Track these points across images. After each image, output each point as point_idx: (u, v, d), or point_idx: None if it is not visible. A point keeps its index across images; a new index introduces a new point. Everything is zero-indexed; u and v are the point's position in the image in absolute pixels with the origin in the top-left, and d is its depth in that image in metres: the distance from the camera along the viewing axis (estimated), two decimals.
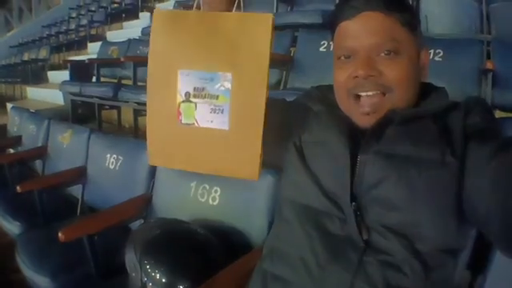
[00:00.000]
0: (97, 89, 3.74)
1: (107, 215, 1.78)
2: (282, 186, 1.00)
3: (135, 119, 3.51)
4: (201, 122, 0.84)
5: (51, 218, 2.11)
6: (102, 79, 4.40)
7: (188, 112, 0.84)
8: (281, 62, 3.04)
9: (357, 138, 0.86)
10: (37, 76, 7.67)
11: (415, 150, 0.79)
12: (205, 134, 0.84)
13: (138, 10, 8.26)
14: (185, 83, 0.84)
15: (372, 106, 0.84)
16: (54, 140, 2.72)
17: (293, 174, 0.94)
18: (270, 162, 1.02)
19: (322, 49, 2.91)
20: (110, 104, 3.88)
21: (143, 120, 3.47)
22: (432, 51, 2.48)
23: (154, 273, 1.18)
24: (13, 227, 2.11)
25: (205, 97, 0.83)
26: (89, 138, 2.39)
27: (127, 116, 3.93)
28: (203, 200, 1.63)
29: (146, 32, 5.30)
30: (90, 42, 7.72)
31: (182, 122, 0.85)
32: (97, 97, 3.78)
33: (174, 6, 5.46)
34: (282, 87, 3.06)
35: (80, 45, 8.53)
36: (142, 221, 1.82)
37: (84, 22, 9.42)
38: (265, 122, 0.81)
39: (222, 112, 0.82)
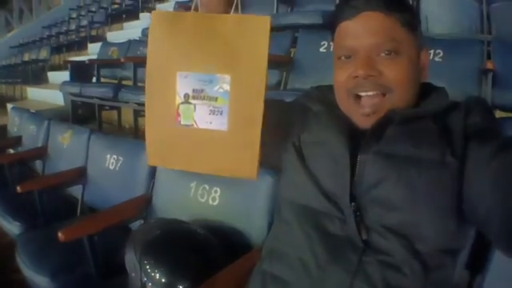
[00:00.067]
0: (97, 89, 3.75)
1: (107, 215, 1.78)
2: (281, 186, 1.00)
3: (135, 120, 3.52)
4: (200, 123, 0.84)
5: (51, 218, 2.11)
6: (103, 80, 4.42)
7: (187, 113, 0.84)
8: (281, 62, 3.04)
9: (356, 138, 0.86)
10: (37, 76, 7.68)
11: (415, 150, 0.79)
12: (204, 134, 0.84)
13: (138, 11, 8.28)
14: (184, 85, 0.84)
15: (372, 106, 0.84)
16: (54, 140, 2.73)
17: (292, 174, 0.94)
18: (269, 163, 1.02)
19: (322, 49, 2.91)
20: (110, 104, 3.89)
21: (143, 120, 3.43)
22: (432, 51, 2.48)
23: (154, 273, 1.18)
24: (13, 227, 2.11)
25: (204, 98, 0.83)
26: (89, 138, 2.39)
27: (127, 116, 3.94)
28: (203, 200, 1.63)
29: (146, 33, 5.30)
30: (91, 42, 7.74)
31: (181, 123, 0.85)
32: (97, 97, 3.79)
33: (174, 7, 5.47)
34: (282, 88, 3.07)
35: (80, 45, 8.54)
36: (142, 221, 1.82)
37: (84, 22, 9.44)
38: (263, 123, 0.82)
39: (220, 113, 0.83)
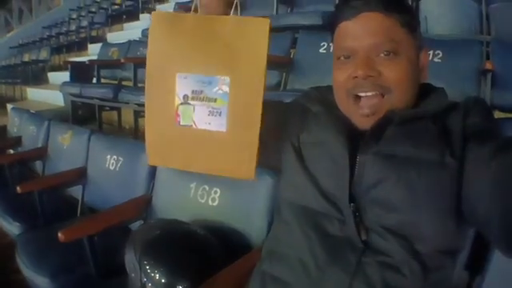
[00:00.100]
0: (97, 90, 3.75)
1: (107, 216, 1.78)
2: (280, 187, 1.00)
3: (135, 120, 3.52)
4: (199, 123, 0.85)
5: (51, 218, 2.11)
6: (103, 80, 4.42)
7: (186, 114, 0.85)
8: (280, 63, 3.04)
9: (356, 139, 0.86)
10: (37, 77, 7.68)
11: (414, 150, 0.79)
12: (203, 135, 0.85)
13: (138, 12, 8.28)
14: (183, 86, 0.85)
15: (371, 107, 0.84)
16: (54, 141, 2.73)
17: (291, 175, 0.94)
18: (268, 164, 1.03)
19: (321, 50, 2.91)
20: (110, 105, 3.89)
21: (143, 121, 3.43)
22: (431, 52, 2.48)
23: (154, 273, 1.18)
24: (13, 228, 2.11)
25: (203, 100, 0.84)
26: (89, 138, 2.40)
27: (127, 117, 3.93)
28: (203, 201, 1.63)
29: (146, 33, 5.30)
30: (91, 43, 7.75)
31: (181, 123, 0.86)
32: (97, 98, 3.78)
33: (174, 7, 5.47)
34: (281, 88, 3.06)
35: (80, 46, 8.54)
36: (142, 222, 1.82)
37: (84, 23, 9.44)
38: (261, 124, 0.83)
39: (219, 114, 0.83)
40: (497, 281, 1.08)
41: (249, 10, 4.00)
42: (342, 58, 0.88)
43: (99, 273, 1.63)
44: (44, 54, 8.22)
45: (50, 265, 1.67)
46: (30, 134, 3.05)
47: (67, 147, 2.58)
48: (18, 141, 3.18)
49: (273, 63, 2.89)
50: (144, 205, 1.86)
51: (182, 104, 0.85)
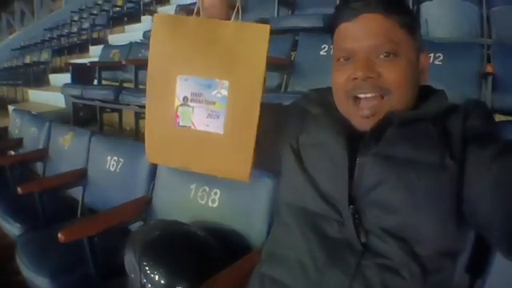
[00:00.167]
0: (98, 92, 3.75)
1: (107, 217, 1.78)
2: (280, 189, 1.00)
3: (136, 122, 3.52)
4: (197, 125, 0.87)
5: (51, 219, 2.11)
6: (104, 82, 4.44)
7: (185, 115, 0.87)
8: (281, 65, 3.05)
9: (355, 141, 0.86)
10: (38, 79, 7.70)
11: (414, 152, 0.79)
12: (201, 136, 0.87)
13: (139, 14, 8.29)
14: (183, 88, 0.86)
15: (371, 109, 0.84)
16: (55, 142, 2.73)
17: (290, 177, 0.94)
18: (266, 166, 1.03)
19: (322, 52, 2.91)
20: (111, 107, 3.89)
21: (144, 123, 3.44)
22: (432, 55, 2.49)
23: (153, 274, 1.18)
24: (13, 229, 2.11)
25: (202, 102, 0.85)
26: (90, 140, 2.40)
27: (128, 119, 3.93)
28: (203, 202, 1.63)
29: (147, 35, 5.32)
30: (92, 45, 7.76)
31: (180, 124, 0.88)
32: (98, 99, 3.79)
33: (176, 9, 5.48)
34: (282, 90, 3.07)
35: (82, 48, 8.56)
36: (142, 223, 1.82)
37: (86, 25, 9.46)
38: (258, 128, 0.84)
39: (217, 117, 0.85)
40: (498, 283, 1.07)
41: (250, 13, 4.01)
42: (342, 59, 0.88)
43: (99, 273, 1.63)
44: (45, 56, 8.25)
45: (50, 265, 1.67)
46: (31, 135, 3.05)
47: (68, 148, 2.58)
48: (19, 142, 3.19)
49: (273, 65, 2.90)
50: (144, 206, 1.86)
51: (181, 105, 0.87)
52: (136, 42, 5.03)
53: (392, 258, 0.78)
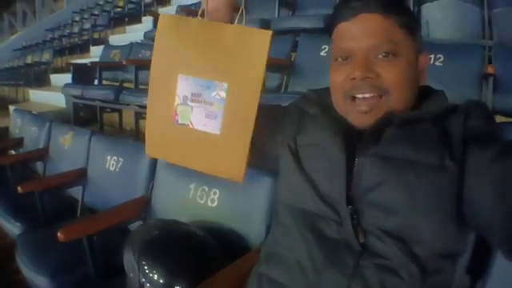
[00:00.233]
0: (98, 92, 3.75)
1: (106, 216, 1.78)
2: (278, 189, 1.00)
3: (136, 122, 3.51)
4: (196, 124, 0.89)
5: (52, 219, 2.10)
6: (104, 82, 4.44)
7: (184, 114, 0.89)
8: (281, 66, 3.06)
9: (354, 140, 0.86)
10: (40, 79, 7.69)
11: (413, 153, 0.79)
12: (198, 135, 0.89)
13: (140, 15, 8.31)
14: (183, 87, 0.89)
15: (369, 105, 0.84)
16: (56, 142, 2.73)
17: (289, 177, 0.94)
18: (261, 165, 1.04)
19: (322, 53, 2.92)
20: (111, 107, 3.89)
21: (144, 123, 3.45)
22: (432, 56, 2.49)
23: (152, 273, 1.18)
24: (13, 228, 2.11)
25: (201, 102, 0.88)
26: (90, 139, 2.40)
27: (128, 119, 3.93)
28: (202, 202, 1.62)
29: (148, 36, 5.33)
30: (93, 45, 7.76)
31: (179, 122, 0.90)
32: (98, 99, 3.79)
33: (177, 10, 5.49)
34: (282, 91, 3.08)
35: (83, 48, 8.58)
36: (141, 222, 1.82)
37: (87, 25, 9.47)
38: (254, 130, 0.86)
39: (215, 118, 0.87)
40: (499, 285, 1.06)
41: (251, 14, 4.01)
42: (340, 59, 0.88)
43: (98, 273, 1.63)
44: (47, 56, 8.25)
45: (50, 264, 1.67)
46: (31, 135, 3.05)
47: (68, 148, 2.58)
48: (19, 142, 3.19)
49: (274, 66, 2.91)
50: (143, 205, 1.85)
51: (181, 104, 0.89)
52: (136, 43, 5.03)
53: (391, 258, 0.78)
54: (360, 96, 0.85)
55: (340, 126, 0.89)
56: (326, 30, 0.94)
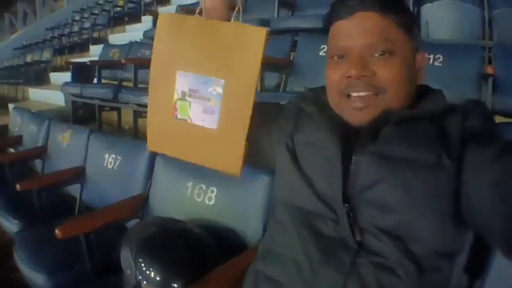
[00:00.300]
0: (97, 90, 3.75)
1: (104, 214, 1.78)
2: (275, 187, 1.00)
3: (135, 121, 3.51)
4: (194, 119, 0.91)
5: (49, 216, 2.10)
6: (103, 81, 4.44)
7: (183, 109, 0.92)
8: (280, 65, 3.07)
9: (350, 139, 0.86)
10: (39, 77, 7.71)
11: (411, 151, 0.79)
12: (196, 130, 0.91)
13: (140, 14, 8.31)
14: (182, 83, 0.91)
15: (364, 102, 0.84)
16: (54, 140, 2.73)
17: (286, 175, 0.94)
18: (259, 163, 1.05)
19: (321, 53, 2.92)
20: (110, 105, 3.89)
21: (143, 122, 3.47)
22: (432, 56, 2.49)
23: (149, 271, 1.18)
24: (12, 225, 2.12)
25: (198, 98, 0.90)
26: (88, 138, 2.40)
27: (127, 118, 3.94)
28: (199, 200, 1.63)
29: (147, 35, 5.34)
30: (93, 44, 7.77)
31: (178, 117, 0.92)
32: (97, 98, 3.79)
33: (177, 9, 5.49)
34: (281, 90, 3.08)
35: (82, 47, 8.59)
36: (139, 220, 1.82)
37: (87, 25, 9.49)
38: (250, 125, 0.88)
39: (212, 113, 0.89)
40: (497, 284, 1.06)
41: (250, 13, 4.03)
42: (336, 57, 0.88)
43: (95, 270, 1.63)
44: (46, 55, 8.27)
45: (48, 262, 1.68)
46: (30, 133, 3.06)
47: (67, 146, 2.59)
48: (18, 140, 3.19)
49: (272, 65, 2.92)
50: (141, 203, 1.85)
51: (180, 99, 0.92)
52: (136, 42, 5.03)
53: (387, 256, 0.77)
54: (355, 94, 0.84)
55: (336, 124, 0.89)
56: (326, 30, 0.93)
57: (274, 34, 3.44)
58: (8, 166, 2.68)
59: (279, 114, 1.03)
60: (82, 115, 4.26)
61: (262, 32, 0.85)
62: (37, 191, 2.15)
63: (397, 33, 0.84)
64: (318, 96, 0.98)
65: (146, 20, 7.35)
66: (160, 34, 0.93)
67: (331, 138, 0.86)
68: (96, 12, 10.01)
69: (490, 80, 2.37)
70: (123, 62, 3.90)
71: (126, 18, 8.80)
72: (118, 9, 9.44)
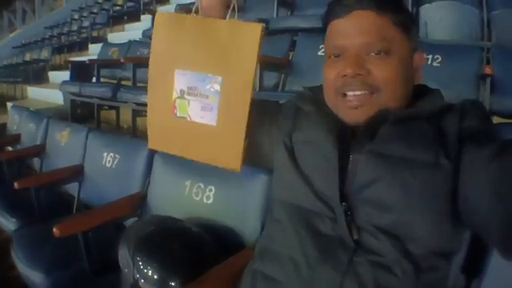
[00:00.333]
0: (96, 89, 3.75)
1: (102, 212, 1.78)
2: (273, 186, 1.00)
3: (133, 120, 3.52)
4: (193, 116, 0.92)
5: (47, 215, 2.10)
6: (102, 80, 4.43)
7: (182, 107, 0.93)
8: (279, 65, 3.07)
9: (348, 137, 0.86)
10: (38, 76, 7.68)
11: (408, 151, 0.79)
12: (196, 127, 0.92)
13: (139, 13, 8.31)
14: (180, 82, 0.92)
15: (359, 101, 0.84)
16: (53, 138, 2.73)
17: (284, 174, 0.94)
18: (257, 162, 1.05)
19: (320, 53, 2.92)
20: (108, 104, 3.89)
21: (141, 120, 3.47)
22: (430, 56, 2.49)
23: (146, 269, 1.18)
24: (9, 223, 2.11)
25: (197, 95, 0.91)
26: (87, 136, 2.40)
27: (126, 116, 3.94)
28: (197, 199, 1.63)
29: (146, 34, 5.35)
30: (92, 43, 7.76)
31: (177, 115, 0.94)
32: (96, 97, 3.78)
33: (176, 9, 5.49)
34: (280, 90, 3.09)
35: (81, 46, 8.57)
36: (137, 218, 1.82)
37: (86, 23, 9.48)
38: (248, 121, 0.89)
39: (211, 110, 0.91)
40: (494, 285, 1.06)
41: (250, 13, 4.03)
42: (333, 56, 0.89)
43: (93, 268, 1.63)
44: (45, 54, 8.25)
45: (45, 260, 1.67)
46: (28, 131, 3.05)
47: (65, 145, 2.58)
48: (16, 138, 3.18)
49: (272, 65, 2.92)
50: (139, 201, 1.85)
51: (178, 98, 0.93)
52: (135, 41, 5.03)
53: (384, 255, 0.78)
54: (351, 93, 0.85)
55: (334, 123, 0.89)
56: (323, 29, 0.94)
57: (273, 33, 3.44)
58: (6, 164, 2.68)
59: (277, 113, 1.03)
60: (80, 114, 4.25)
61: (257, 28, 0.86)
62: (35, 189, 2.15)
63: (394, 32, 0.84)
64: (316, 95, 0.99)
65: (145, 19, 7.37)
66: (157, 34, 0.94)
67: (328, 137, 0.87)
68: (95, 11, 10.01)
69: (488, 80, 2.37)
70: (122, 60, 3.90)
71: (126, 17, 8.79)
72: (118, 8, 9.42)
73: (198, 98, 0.91)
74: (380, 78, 0.82)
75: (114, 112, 4.16)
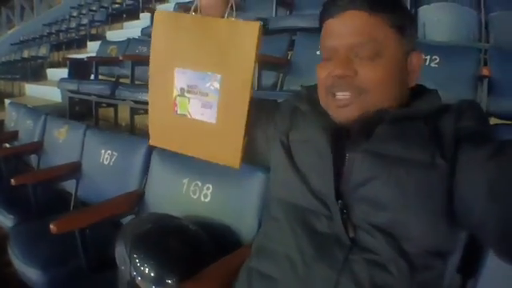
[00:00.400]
0: (94, 86, 3.74)
1: (99, 209, 1.78)
2: (270, 184, 1.01)
3: (132, 117, 3.51)
4: (193, 114, 0.94)
5: (44, 211, 2.10)
6: (101, 77, 4.42)
7: (182, 105, 0.95)
8: (278, 64, 3.07)
9: (344, 136, 0.86)
10: (36, 73, 7.67)
11: (404, 150, 0.79)
12: (196, 124, 0.94)
13: (138, 11, 8.27)
14: (180, 80, 0.94)
15: (346, 100, 0.85)
16: (50, 135, 2.73)
17: (281, 172, 0.94)
18: (254, 161, 1.06)
19: (318, 52, 2.89)
20: (106, 102, 3.87)
21: (139, 118, 3.47)
22: (428, 57, 2.49)
23: (143, 267, 1.18)
24: (6, 220, 2.11)
25: (197, 93, 0.93)
26: (84, 133, 2.39)
27: (124, 114, 3.94)
28: (195, 197, 1.63)
29: (145, 32, 5.33)
30: (90, 41, 7.73)
31: (178, 112, 0.96)
32: (94, 94, 3.77)
33: (175, 7, 5.48)
34: (278, 89, 3.09)
35: (80, 43, 8.54)
36: (134, 216, 1.82)
37: (85, 21, 9.46)
38: (247, 119, 0.90)
39: (210, 108, 0.92)
40: (490, 285, 1.06)
41: (249, 12, 4.03)
42: (326, 56, 0.90)
43: (90, 265, 1.63)
44: (43, 51, 8.22)
45: (42, 257, 1.67)
46: (26, 128, 3.04)
47: (63, 142, 2.58)
48: (14, 135, 3.17)
49: (270, 64, 2.92)
50: (136, 199, 1.85)
51: (179, 96, 0.95)
52: (134, 39, 5.02)
53: (380, 253, 0.78)
54: (340, 93, 0.86)
55: (328, 121, 0.90)
56: (320, 29, 0.94)
57: (272, 33, 3.44)
58: (3, 160, 2.68)
59: (274, 112, 1.04)
60: (78, 111, 4.24)
61: (255, 26, 0.87)
62: (32, 186, 2.15)
63: (387, 33, 0.84)
64: (311, 94, 0.99)
65: (144, 17, 7.34)
66: (157, 33, 0.96)
67: (322, 135, 0.87)
68: (94, 8, 9.97)
69: (486, 82, 2.37)
70: (121, 58, 3.88)
71: (124, 15, 8.79)
72: (116, 5, 9.41)
73: (197, 95, 0.92)
74: (367, 80, 0.83)
75: (112, 110, 4.15)
